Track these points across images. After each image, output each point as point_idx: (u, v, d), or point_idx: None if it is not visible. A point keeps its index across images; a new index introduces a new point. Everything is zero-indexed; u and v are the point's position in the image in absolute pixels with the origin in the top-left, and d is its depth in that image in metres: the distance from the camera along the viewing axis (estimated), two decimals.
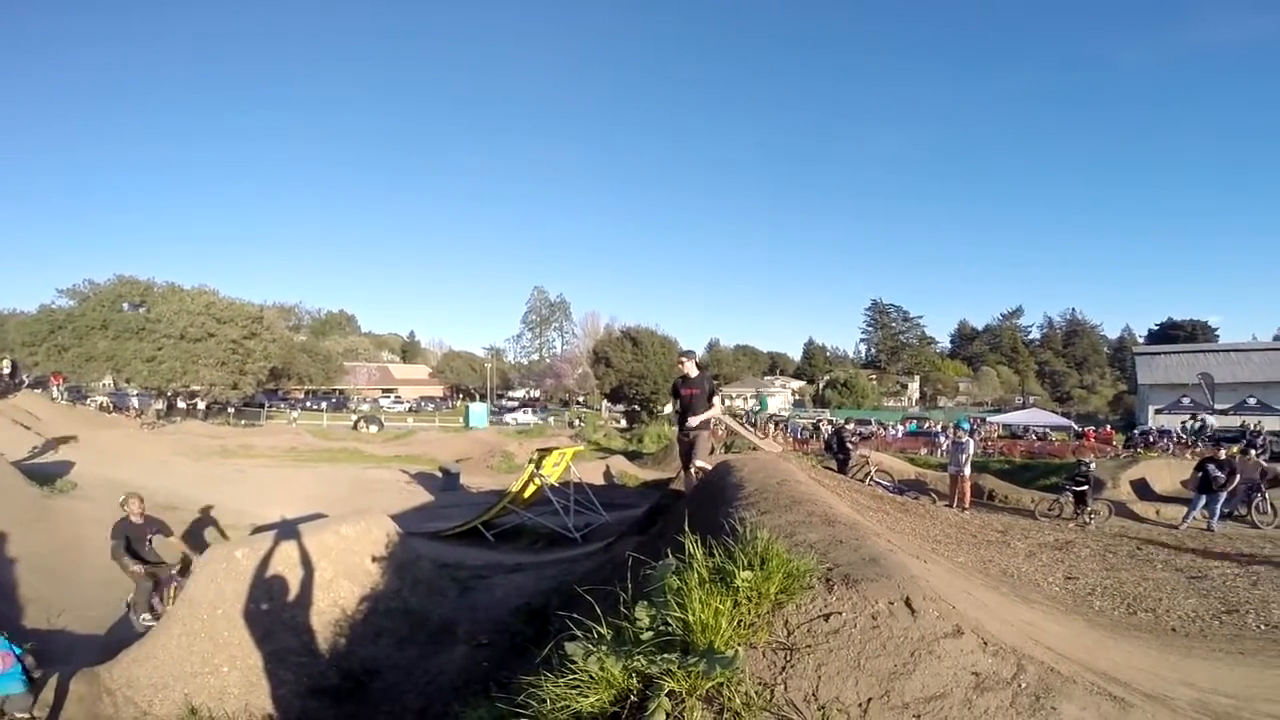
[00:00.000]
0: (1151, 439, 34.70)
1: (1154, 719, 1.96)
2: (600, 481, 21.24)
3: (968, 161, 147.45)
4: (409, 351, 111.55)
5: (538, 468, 13.29)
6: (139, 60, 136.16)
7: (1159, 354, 57.72)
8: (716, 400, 8.28)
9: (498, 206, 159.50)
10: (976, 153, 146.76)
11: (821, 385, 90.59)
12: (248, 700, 5.25)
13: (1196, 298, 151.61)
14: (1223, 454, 14.04)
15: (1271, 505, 14.27)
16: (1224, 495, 13.16)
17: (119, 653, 5.63)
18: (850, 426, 32.86)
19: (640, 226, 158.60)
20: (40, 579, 8.92)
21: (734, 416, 34.21)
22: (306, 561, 6.05)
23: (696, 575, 2.28)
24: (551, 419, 59.90)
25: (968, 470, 15.60)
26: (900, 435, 41.61)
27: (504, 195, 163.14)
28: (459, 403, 76.47)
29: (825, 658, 2.02)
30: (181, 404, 43.12)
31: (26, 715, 5.28)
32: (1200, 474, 13.58)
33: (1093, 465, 15.61)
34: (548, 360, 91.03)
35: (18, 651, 5.48)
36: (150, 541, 8.51)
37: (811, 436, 37.88)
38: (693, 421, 7.88)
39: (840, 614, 2.20)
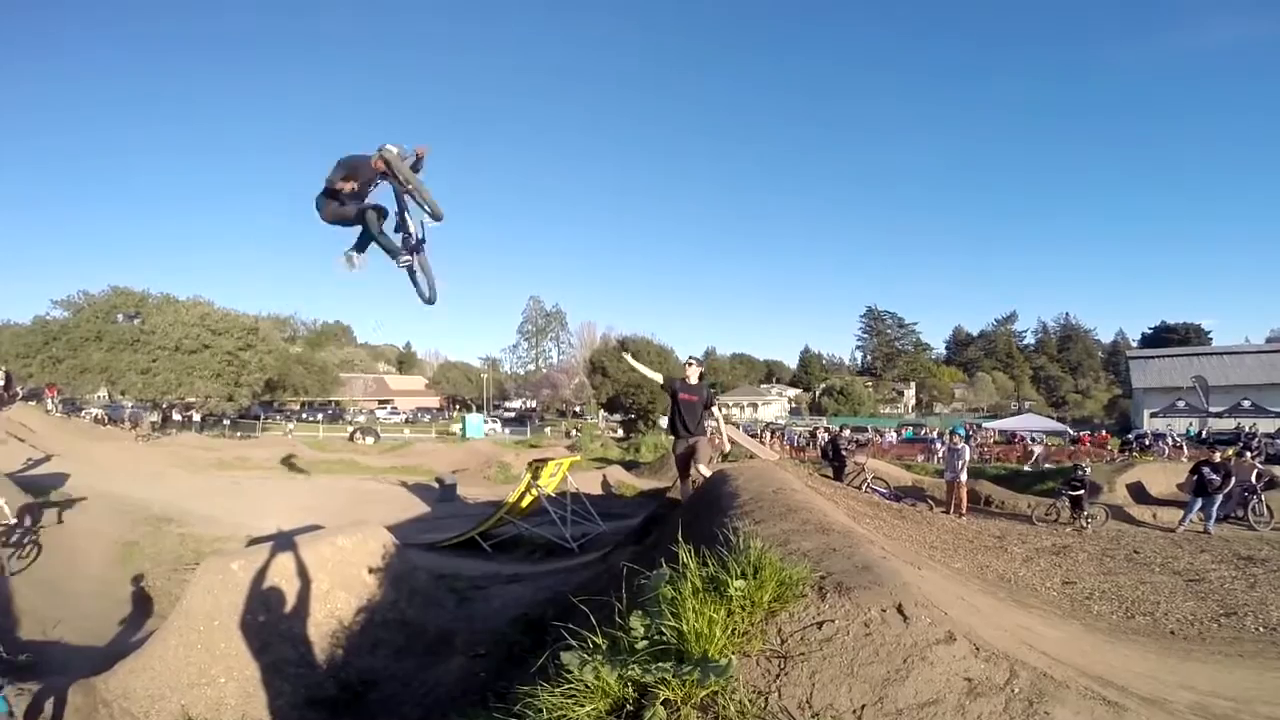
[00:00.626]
0: (1147, 442, 34.78)
1: None
2: (597, 491, 21.23)
3: (961, 169, 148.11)
4: (405, 362, 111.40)
5: (534, 478, 13.28)
6: (134, 69, 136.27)
7: (1153, 357, 57.96)
8: (716, 411, 8.32)
9: (493, 216, 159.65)
10: (970, 160, 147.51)
11: (818, 393, 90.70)
12: (245, 711, 5.24)
13: (1189, 301, 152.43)
14: (1218, 457, 14.08)
15: (1267, 507, 14.30)
16: (1220, 498, 13.19)
17: (115, 664, 5.62)
18: (846, 434, 32.93)
19: (636, 236, 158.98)
20: (35, 591, 8.90)
21: (730, 425, 34.23)
22: (303, 573, 6.04)
23: (690, 585, 2.29)
24: (548, 429, 59.85)
25: (964, 476, 15.62)
26: (896, 442, 41.62)
27: (499, 204, 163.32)
28: (455, 413, 76.35)
29: (819, 665, 2.03)
30: (177, 416, 42.98)
31: None
32: (1196, 477, 13.61)
33: (1089, 469, 15.63)
34: (544, 370, 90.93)
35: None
36: None
37: (808, 444, 37.93)
38: (709, 424, 8.06)
39: (833, 621, 2.21)
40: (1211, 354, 54.94)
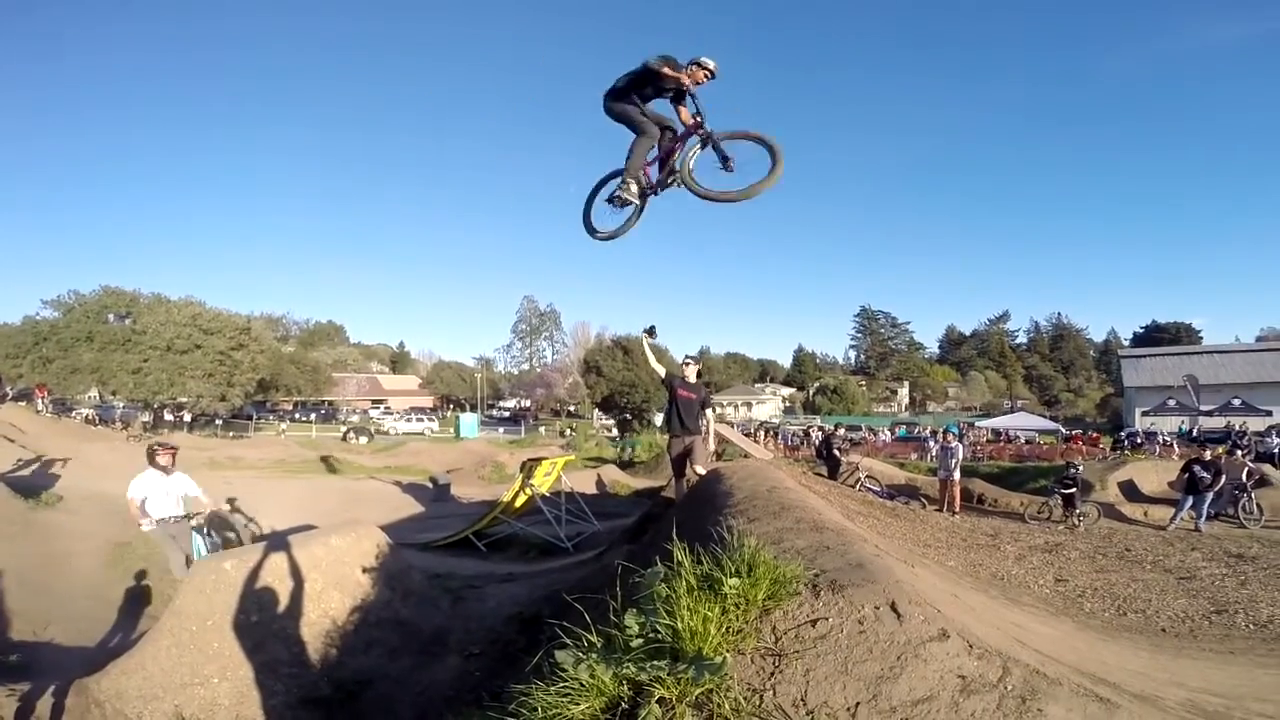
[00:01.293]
0: (1139, 441, 34.95)
1: (1141, 719, 1.98)
2: (592, 490, 21.22)
3: (953, 169, 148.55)
4: (398, 362, 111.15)
5: (528, 478, 13.27)
6: (122, 69, 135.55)
7: (1144, 356, 58.25)
8: (710, 413, 8.36)
9: (487, 215, 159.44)
10: (962, 160, 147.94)
11: (811, 392, 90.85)
12: (239, 711, 5.22)
13: (1180, 300, 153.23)
14: (1208, 455, 14.17)
15: (1258, 505, 14.39)
16: (1210, 496, 13.28)
17: (107, 664, 5.59)
18: (841, 433, 32.99)
19: (631, 235, 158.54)
20: (26, 591, 8.83)
21: (725, 424, 34.28)
22: (296, 573, 6.02)
23: (685, 583, 2.29)
24: (542, 429, 59.81)
25: (957, 475, 15.68)
26: (890, 441, 41.74)
27: (493, 204, 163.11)
28: (449, 413, 76.23)
29: (813, 663, 2.04)
30: (169, 416, 42.78)
31: None
32: (1187, 475, 13.70)
33: (1081, 468, 15.70)
34: (538, 370, 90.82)
35: None
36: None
37: (802, 443, 38.01)
38: (702, 423, 8.12)
39: (827, 619, 2.22)
40: (1202, 353, 55.24)
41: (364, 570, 6.75)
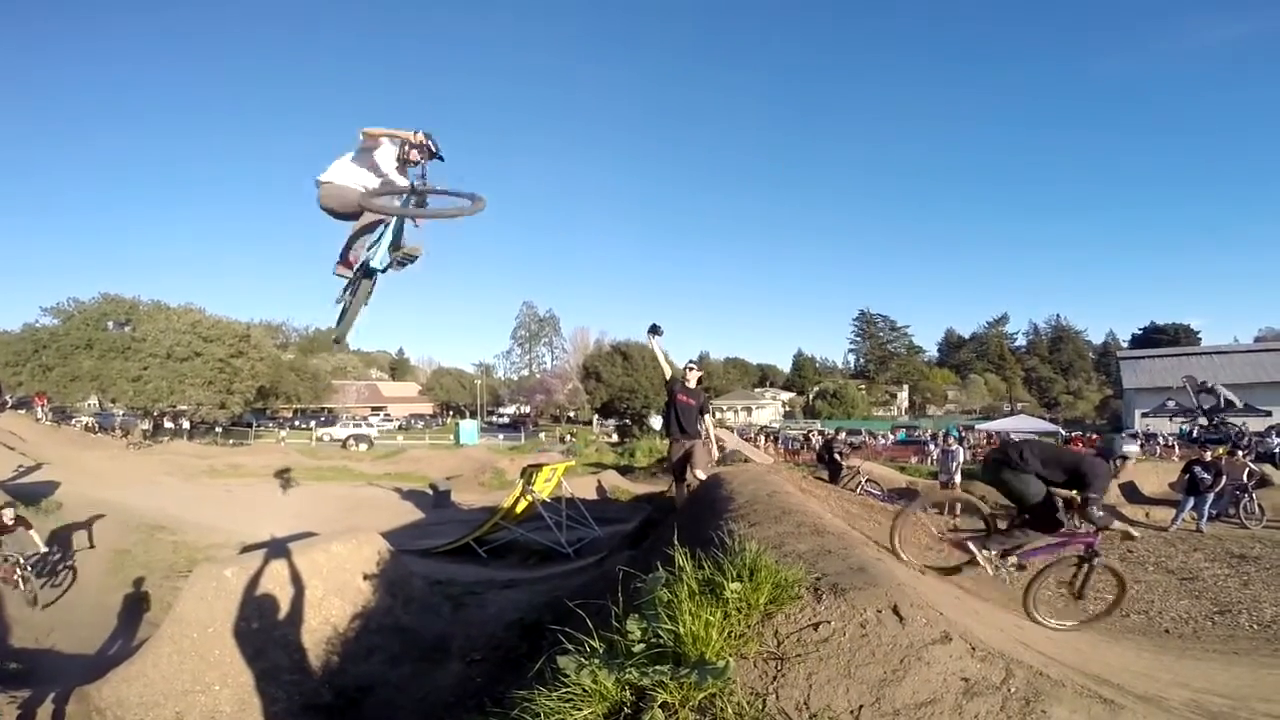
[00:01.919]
0: (1139, 442, 34.89)
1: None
2: (593, 496, 21.21)
3: (951, 171, 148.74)
4: (398, 369, 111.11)
5: (529, 484, 13.26)
6: (120, 76, 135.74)
7: (1143, 358, 58.27)
8: (708, 418, 8.37)
9: (485, 221, 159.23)
10: (959, 163, 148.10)
11: (811, 396, 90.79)
12: (240, 718, 5.21)
13: (1178, 302, 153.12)
14: (1209, 456, 14.15)
15: (1259, 506, 14.37)
16: (1211, 497, 13.26)
17: (108, 671, 5.58)
18: (841, 436, 32.98)
19: (629, 241, 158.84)
20: (27, 600, 8.83)
21: (725, 429, 34.27)
22: (297, 580, 6.02)
23: (687, 588, 2.29)
24: (542, 435, 59.77)
25: (958, 477, 15.65)
26: (890, 444, 41.70)
27: (492, 209, 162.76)
28: (449, 419, 76.18)
29: (816, 666, 2.04)
30: (169, 424, 42.75)
31: None
32: (1187, 476, 13.68)
33: None
34: (538, 376, 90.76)
35: None
36: None
37: (802, 447, 38.00)
38: (701, 428, 8.11)
39: (829, 623, 2.21)
40: (1201, 354, 55.28)
41: (365, 577, 6.74)
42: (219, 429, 45.48)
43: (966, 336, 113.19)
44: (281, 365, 61.41)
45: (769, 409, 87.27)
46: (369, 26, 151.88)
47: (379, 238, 5.18)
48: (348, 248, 5.41)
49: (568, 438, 52.19)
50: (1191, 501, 13.36)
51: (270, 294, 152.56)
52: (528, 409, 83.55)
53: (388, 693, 5.72)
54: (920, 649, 2.04)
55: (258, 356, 47.67)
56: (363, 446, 43.87)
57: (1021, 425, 47.20)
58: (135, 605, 9.43)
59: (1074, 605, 5.06)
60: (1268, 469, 18.54)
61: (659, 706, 1.89)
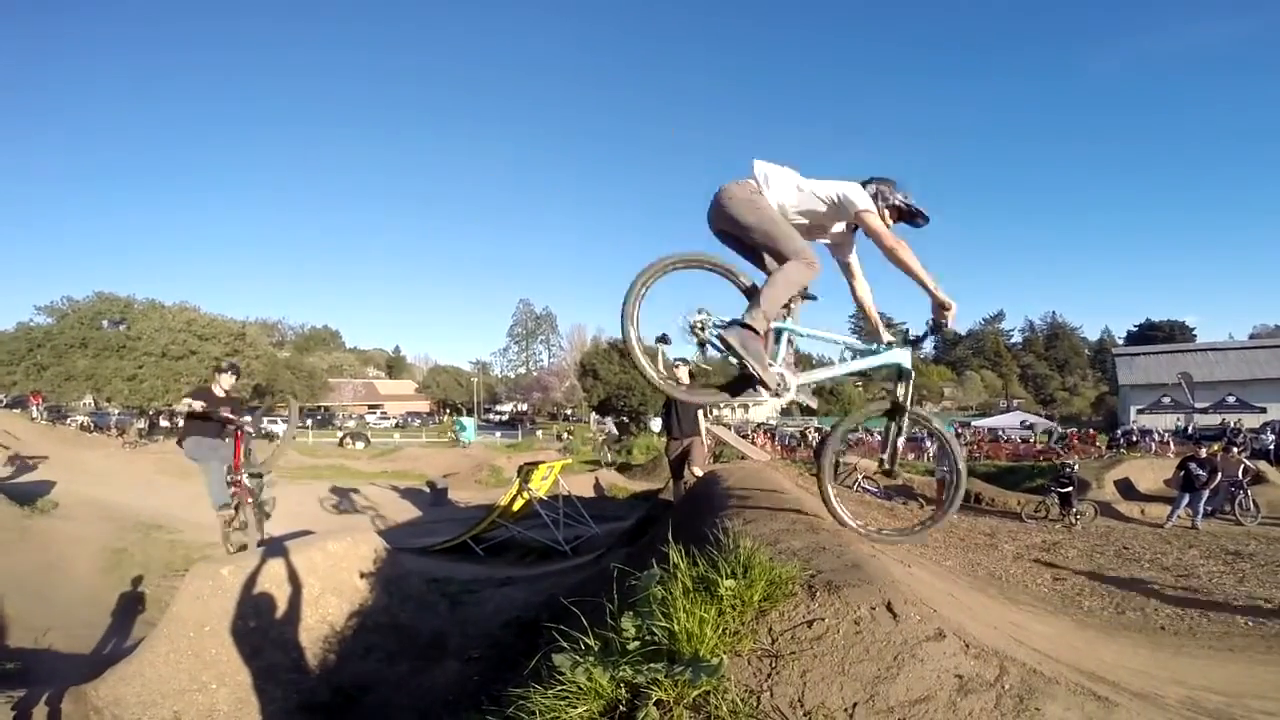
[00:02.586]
0: (1134, 439, 35.02)
1: (1139, 717, 1.98)
2: (590, 494, 21.22)
3: (945, 169, 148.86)
4: (394, 367, 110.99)
5: (526, 482, 13.27)
6: (117, 72, 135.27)
7: (1138, 354, 58.39)
8: (701, 415, 8.36)
9: (482, 219, 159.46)
10: (955, 159, 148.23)
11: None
12: (238, 717, 5.21)
13: (1173, 298, 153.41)
14: (1204, 452, 14.21)
15: (1254, 502, 14.46)
16: (1207, 493, 13.32)
17: (105, 671, 5.58)
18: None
19: (626, 238, 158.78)
20: (23, 599, 8.80)
21: (722, 426, 34.25)
22: (294, 578, 6.01)
23: (681, 585, 2.29)
24: (539, 432, 59.77)
25: None
26: None
27: (488, 207, 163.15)
28: (446, 417, 76.13)
29: (810, 664, 2.04)
30: (164, 423, 42.63)
31: None
32: (1183, 473, 13.75)
33: (1076, 466, 15.74)
34: (535, 373, 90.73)
35: None
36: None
37: (799, 444, 38.04)
38: (701, 426, 8.11)
39: (824, 620, 2.22)
40: (1196, 350, 55.40)
41: (361, 575, 6.74)
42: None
43: (963, 333, 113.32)
44: (277, 363, 61.37)
45: (766, 406, 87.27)
46: (363, 21, 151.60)
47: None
48: None
49: (565, 435, 52.21)
50: (1187, 498, 13.42)
51: (266, 292, 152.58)
52: (525, 406, 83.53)
53: (385, 691, 5.73)
54: (914, 646, 2.04)
55: (253, 355, 47.64)
56: (359, 444, 43.83)
57: (1017, 421, 47.33)
58: (131, 604, 9.40)
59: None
60: (1263, 465, 18.65)
61: (654, 704, 1.89)
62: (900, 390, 4.08)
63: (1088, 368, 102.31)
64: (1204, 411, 41.73)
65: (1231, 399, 42.05)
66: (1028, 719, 1.79)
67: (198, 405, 7.69)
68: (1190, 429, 37.55)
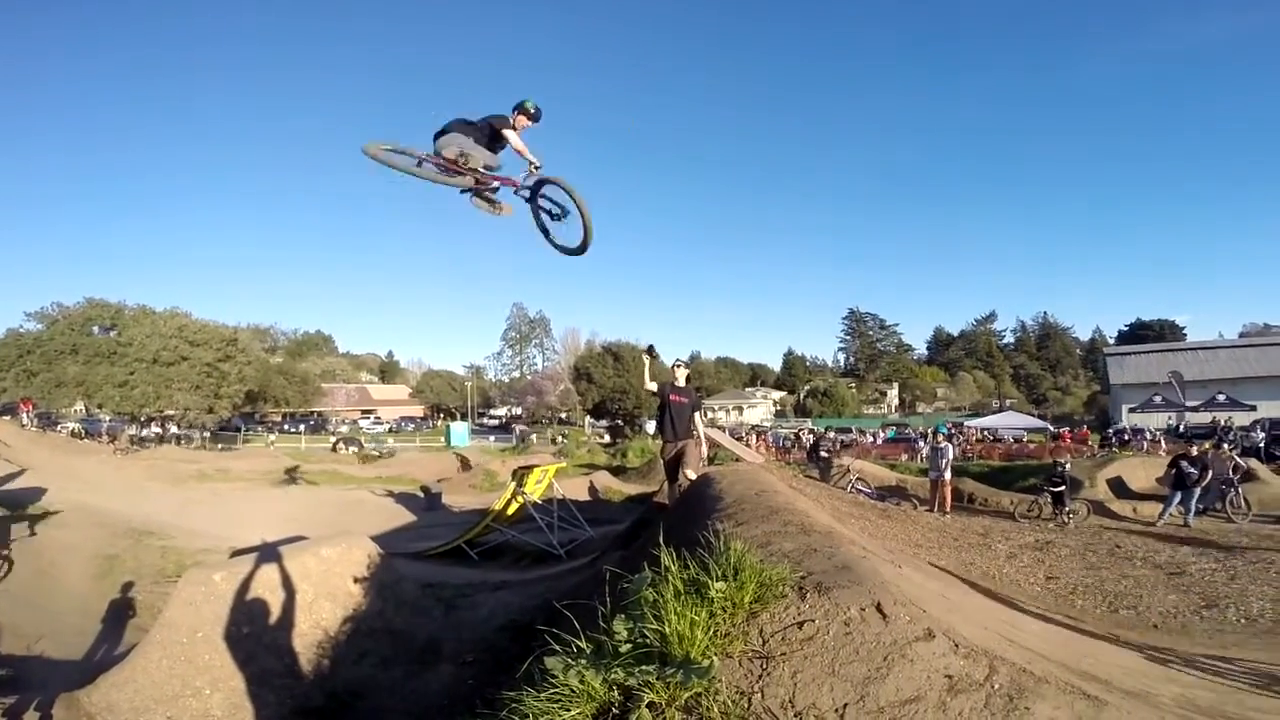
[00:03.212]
0: (1126, 438, 35.16)
1: (1130, 715, 2.00)
2: (585, 497, 21.20)
3: (937, 169, 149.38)
4: (388, 371, 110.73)
5: (520, 486, 13.25)
6: (105, 75, 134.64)
7: (1129, 354, 58.76)
8: (698, 416, 8.36)
9: (475, 223, 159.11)
10: (945, 160, 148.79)
11: (802, 395, 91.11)
12: None
13: (1164, 298, 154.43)
14: (1195, 451, 14.27)
15: (1245, 499, 14.52)
16: (1198, 491, 13.38)
17: (97, 677, 5.55)
18: (830, 435, 33.07)
19: (619, 241, 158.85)
20: (14, 606, 8.76)
21: (717, 429, 34.29)
22: (287, 584, 6.00)
23: (672, 587, 2.30)
24: (533, 436, 59.69)
25: (948, 475, 15.74)
26: (881, 442, 41.84)
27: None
28: (439, 422, 75.97)
29: (800, 665, 2.05)
30: (156, 429, 42.44)
31: None
32: (1174, 471, 13.81)
33: (1068, 465, 15.80)
34: (529, 377, 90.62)
35: None
36: None
37: (793, 446, 38.09)
38: (693, 428, 8.14)
39: (814, 621, 2.23)
40: (1186, 349, 55.73)
41: (355, 580, 6.72)
42: (207, 433, 45.20)
43: (955, 334, 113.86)
44: (270, 369, 61.13)
45: (760, 408, 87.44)
46: (354, 23, 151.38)
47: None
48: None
49: (559, 439, 52.16)
50: (1178, 496, 13.48)
51: (258, 297, 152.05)
52: (519, 410, 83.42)
53: (379, 696, 5.71)
54: (904, 646, 2.05)
55: (245, 360, 47.41)
56: (352, 450, 43.70)
57: (1010, 421, 47.48)
58: (123, 611, 9.35)
59: None
60: (1253, 463, 18.73)
61: (646, 706, 1.90)
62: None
63: (1079, 367, 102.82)
64: (1195, 410, 41.92)
65: (1222, 397, 42.26)
66: (1017, 718, 1.80)
67: None
68: (1181, 427, 37.74)
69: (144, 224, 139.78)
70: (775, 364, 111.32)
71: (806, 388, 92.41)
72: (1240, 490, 14.71)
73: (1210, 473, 13.63)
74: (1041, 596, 6.89)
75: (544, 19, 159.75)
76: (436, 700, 5.56)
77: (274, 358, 72.37)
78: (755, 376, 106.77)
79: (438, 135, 6.30)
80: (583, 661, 2.06)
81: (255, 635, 5.70)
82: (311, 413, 71.53)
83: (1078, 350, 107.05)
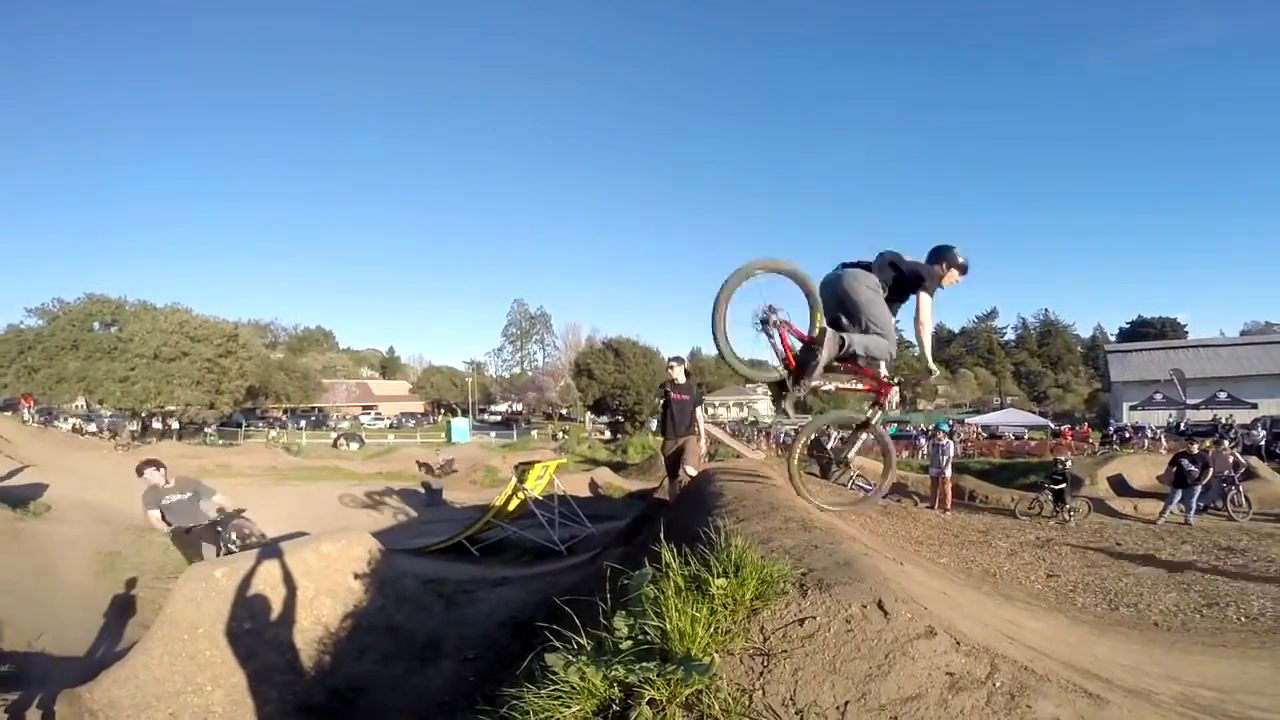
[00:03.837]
0: (1127, 435, 35.16)
1: (1132, 714, 1.99)
2: (586, 493, 21.20)
3: (939, 169, 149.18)
4: (388, 367, 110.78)
5: (521, 481, 13.25)
6: (106, 71, 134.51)
7: (1130, 351, 58.68)
8: (700, 412, 8.36)
9: (476, 219, 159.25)
10: (946, 157, 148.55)
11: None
12: (233, 718, 5.20)
13: (1165, 295, 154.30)
14: (1196, 448, 14.26)
15: (1245, 497, 14.51)
16: (1199, 489, 13.37)
17: (99, 673, 5.56)
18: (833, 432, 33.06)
19: (620, 237, 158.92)
20: (15, 602, 8.74)
21: (717, 425, 34.30)
22: (288, 580, 6.00)
23: (673, 584, 2.30)
24: (534, 432, 59.75)
25: (948, 472, 15.75)
26: None
27: (482, 207, 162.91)
28: (440, 418, 76.00)
29: (801, 662, 2.04)
30: (157, 425, 42.45)
31: None
32: (1175, 469, 13.80)
33: (1069, 463, 15.80)
34: (529, 373, 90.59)
35: None
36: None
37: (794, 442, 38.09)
38: (697, 426, 8.19)
39: (815, 618, 2.22)
40: (1187, 347, 55.69)
41: (356, 576, 6.72)
42: (208, 429, 45.23)
43: (956, 331, 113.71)
44: (270, 364, 61.14)
45: (761, 404, 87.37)
46: (355, 19, 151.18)
47: None
48: None
49: (560, 435, 52.19)
50: (1179, 494, 13.47)
51: (259, 293, 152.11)
52: (520, 406, 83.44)
53: (381, 692, 5.71)
54: (905, 644, 2.05)
55: (246, 356, 47.40)
56: (353, 445, 43.73)
57: (1011, 419, 47.46)
58: (124, 607, 9.34)
59: None
60: (1254, 461, 18.72)
61: (647, 703, 1.90)
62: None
63: (1080, 365, 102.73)
64: (1196, 407, 41.95)
65: (1223, 395, 42.28)
66: (1019, 716, 1.79)
67: None
68: (1182, 425, 37.74)
69: (145, 219, 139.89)
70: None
71: None
72: (1241, 488, 14.70)
73: (1211, 471, 13.63)
74: (1042, 594, 6.89)
75: (541, 19, 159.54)
76: (438, 697, 5.56)
77: (275, 353, 72.36)
78: None
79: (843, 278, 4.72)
80: (583, 658, 2.05)
81: (256, 631, 5.70)
82: (313, 408, 71.62)
83: (1079, 347, 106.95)
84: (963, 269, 4.88)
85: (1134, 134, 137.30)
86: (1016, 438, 39.13)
